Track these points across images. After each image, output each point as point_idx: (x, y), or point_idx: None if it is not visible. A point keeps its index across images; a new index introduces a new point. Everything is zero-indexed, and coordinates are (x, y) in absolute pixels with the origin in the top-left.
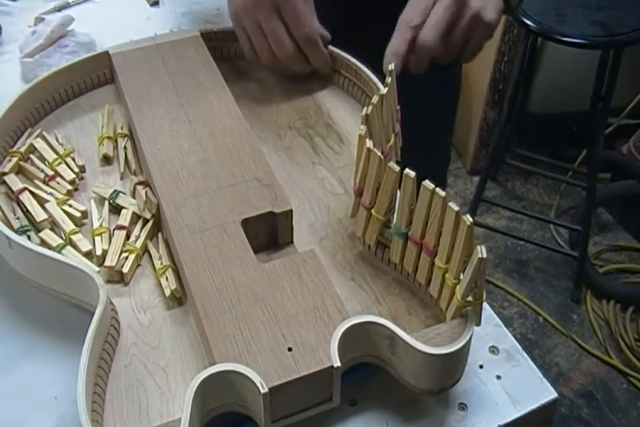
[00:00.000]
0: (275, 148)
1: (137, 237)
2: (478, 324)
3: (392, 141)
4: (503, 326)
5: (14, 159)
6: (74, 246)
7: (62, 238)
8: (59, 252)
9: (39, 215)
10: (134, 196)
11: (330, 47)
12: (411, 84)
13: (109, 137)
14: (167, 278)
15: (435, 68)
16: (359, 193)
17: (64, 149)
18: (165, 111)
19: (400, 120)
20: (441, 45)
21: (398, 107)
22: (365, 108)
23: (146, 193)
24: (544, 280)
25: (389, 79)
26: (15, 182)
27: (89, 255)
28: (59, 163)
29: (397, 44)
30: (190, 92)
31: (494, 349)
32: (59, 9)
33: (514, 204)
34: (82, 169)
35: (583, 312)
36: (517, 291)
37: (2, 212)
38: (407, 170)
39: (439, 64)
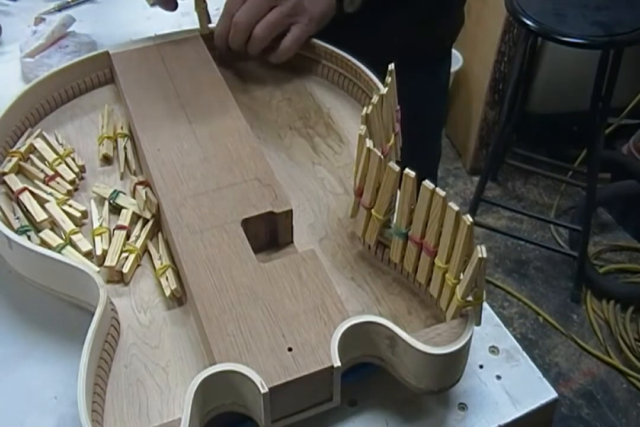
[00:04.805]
0: (275, 148)
1: (137, 237)
2: (478, 324)
3: (392, 141)
4: (503, 326)
5: (14, 159)
6: (74, 246)
7: (62, 238)
8: (59, 252)
9: (39, 215)
10: (134, 196)
11: (331, 47)
12: (407, 83)
13: (109, 137)
14: (167, 278)
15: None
16: (359, 193)
17: (64, 149)
18: (165, 111)
19: (400, 120)
20: (252, 24)
21: (398, 107)
22: (365, 108)
23: (146, 193)
24: (544, 280)
25: (389, 79)
26: (15, 182)
27: (89, 255)
28: (59, 163)
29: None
30: (190, 92)
31: (494, 349)
32: (59, 9)
33: (514, 204)
34: (82, 169)
35: (583, 312)
36: (517, 291)
37: (2, 212)
38: (407, 170)
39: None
